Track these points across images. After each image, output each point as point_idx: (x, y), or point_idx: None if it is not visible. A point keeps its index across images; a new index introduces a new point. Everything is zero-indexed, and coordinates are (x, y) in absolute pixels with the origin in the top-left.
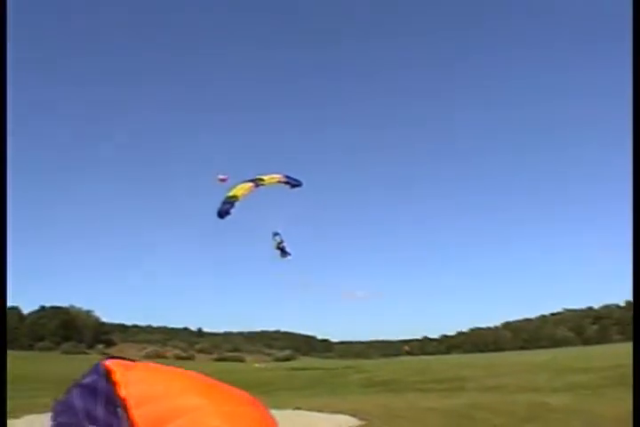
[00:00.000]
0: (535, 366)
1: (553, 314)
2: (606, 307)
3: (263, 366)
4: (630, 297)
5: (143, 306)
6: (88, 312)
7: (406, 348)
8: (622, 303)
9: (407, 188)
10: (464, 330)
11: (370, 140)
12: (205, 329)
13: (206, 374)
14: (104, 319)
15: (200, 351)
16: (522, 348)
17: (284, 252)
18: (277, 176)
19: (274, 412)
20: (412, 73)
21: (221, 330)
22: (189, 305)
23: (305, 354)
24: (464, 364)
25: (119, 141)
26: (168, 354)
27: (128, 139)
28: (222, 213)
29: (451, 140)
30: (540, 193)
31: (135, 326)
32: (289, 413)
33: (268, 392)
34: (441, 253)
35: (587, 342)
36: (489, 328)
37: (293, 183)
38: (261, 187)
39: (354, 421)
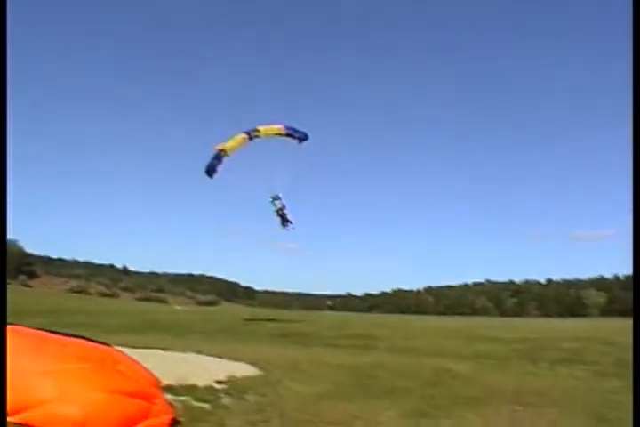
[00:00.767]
0: (449, 332)
1: (475, 284)
2: (527, 282)
3: (184, 308)
4: (551, 275)
5: (69, 239)
6: (11, 242)
7: (329, 303)
8: (542, 280)
9: (351, 149)
10: (387, 291)
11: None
12: (131, 268)
13: (127, 313)
14: (28, 250)
15: (124, 290)
16: (442, 313)
17: (285, 220)
18: (277, 127)
19: (173, 354)
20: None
21: (147, 270)
22: (117, 242)
23: (227, 300)
24: (381, 323)
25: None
26: (92, 290)
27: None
28: (209, 171)
29: None
30: (476, 164)
31: (60, 260)
32: (187, 356)
33: (180, 335)
34: (373, 214)
35: (504, 313)
36: (412, 291)
37: (297, 136)
38: (259, 140)
39: (251, 370)
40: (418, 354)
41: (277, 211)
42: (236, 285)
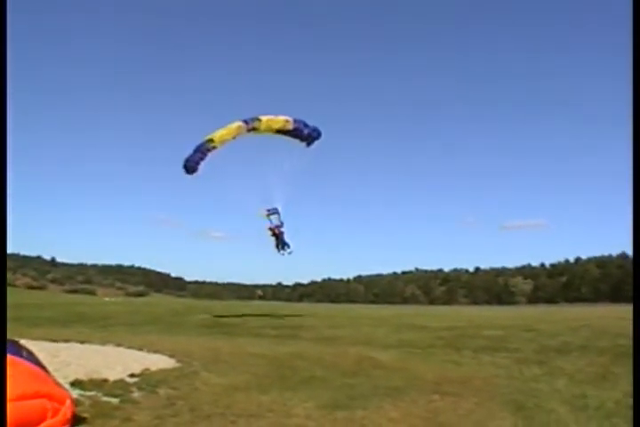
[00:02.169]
0: (377, 321)
1: (404, 272)
2: (455, 271)
3: (112, 299)
4: (479, 264)
5: None
6: None
7: (259, 292)
8: (471, 269)
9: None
10: (318, 280)
11: None
12: (60, 259)
13: (54, 305)
14: None
15: (52, 281)
16: (372, 302)
17: (280, 242)
18: (283, 119)
19: (91, 347)
20: None
21: (76, 261)
22: (45, 233)
23: (158, 291)
24: (309, 313)
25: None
26: (18, 282)
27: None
28: (188, 166)
29: None
30: (407, 152)
31: None
32: (104, 349)
33: (105, 327)
34: (302, 202)
35: (434, 301)
36: (341, 280)
37: (307, 134)
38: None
39: (169, 362)
40: (342, 343)
41: (272, 230)
42: (166, 275)
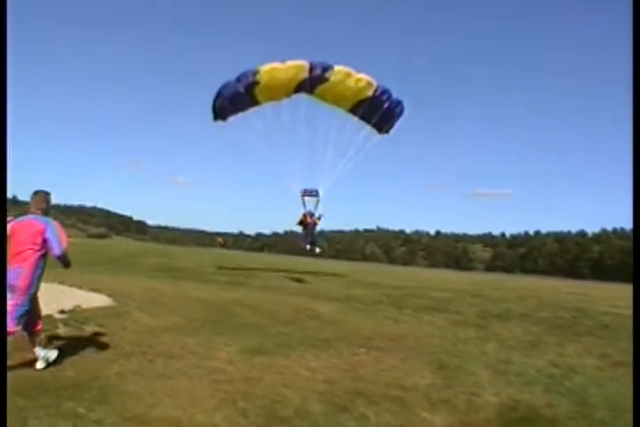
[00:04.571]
0: (330, 275)
1: (366, 230)
2: (417, 233)
3: (72, 240)
4: (441, 228)
5: None
6: None
7: (220, 240)
8: (432, 232)
9: None
10: (279, 231)
11: None
12: (20, 198)
13: None
14: None
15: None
16: (332, 257)
17: (310, 239)
18: (366, 80)
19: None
20: None
21: None
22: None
23: (119, 234)
24: (264, 262)
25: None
26: None
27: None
28: (221, 110)
29: None
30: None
31: None
32: (44, 286)
33: (55, 266)
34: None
35: (393, 261)
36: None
37: (385, 112)
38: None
39: (105, 300)
40: (287, 293)
41: (305, 217)
42: (128, 219)
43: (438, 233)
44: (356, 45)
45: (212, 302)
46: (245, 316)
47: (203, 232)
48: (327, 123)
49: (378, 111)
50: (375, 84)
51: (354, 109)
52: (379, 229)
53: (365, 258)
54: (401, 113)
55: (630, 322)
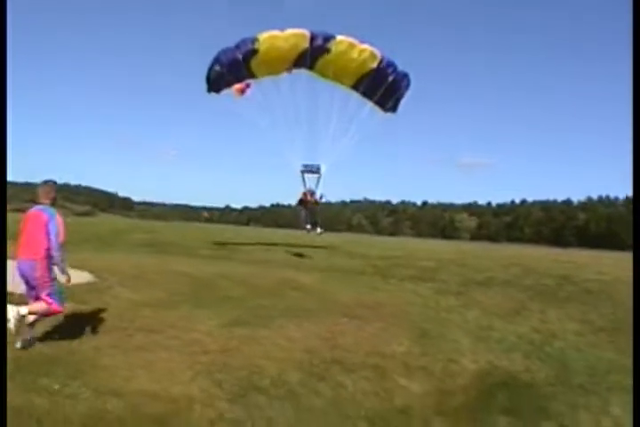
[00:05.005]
0: (315, 247)
1: (353, 201)
2: (403, 203)
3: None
4: (427, 198)
5: None
6: None
7: (205, 214)
8: (419, 203)
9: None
10: (266, 205)
11: None
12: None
13: None
14: None
15: None
16: None
17: (311, 219)
18: (369, 50)
19: (14, 263)
20: None
21: (22, 180)
22: None
23: (104, 211)
24: (251, 236)
25: None
26: None
27: None
28: (216, 80)
29: None
30: None
31: None
32: None
33: None
34: (251, 126)
35: (380, 232)
36: (289, 206)
37: (392, 87)
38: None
39: (86, 277)
40: (271, 266)
41: (305, 195)
42: (113, 195)
43: (425, 203)
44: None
45: (196, 276)
46: (228, 289)
47: (189, 207)
48: (330, 94)
49: (382, 85)
50: (380, 55)
51: (357, 85)
52: (365, 200)
53: (352, 229)
54: (407, 86)
55: (614, 288)
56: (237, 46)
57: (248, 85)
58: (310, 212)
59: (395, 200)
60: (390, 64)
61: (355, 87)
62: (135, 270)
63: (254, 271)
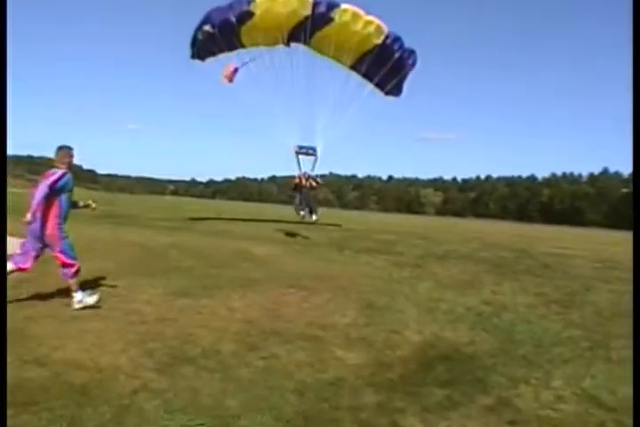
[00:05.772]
0: (276, 221)
1: (318, 175)
2: (369, 178)
3: (19, 191)
4: (393, 173)
5: None
6: None
7: (171, 187)
8: (384, 177)
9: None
10: (232, 178)
11: None
12: None
13: None
14: None
15: None
16: (284, 202)
17: (306, 203)
18: (375, 24)
19: None
20: None
21: None
22: None
23: None
24: (213, 208)
25: None
26: None
27: None
28: (196, 46)
29: None
30: None
31: None
32: None
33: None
34: (221, 97)
35: (345, 206)
36: (255, 179)
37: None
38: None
39: None
40: (229, 237)
41: (299, 179)
42: (78, 168)
43: (390, 178)
44: None
45: (148, 247)
46: (179, 259)
47: (154, 180)
48: (329, 74)
49: (386, 63)
50: (386, 30)
51: (358, 63)
52: (331, 174)
53: (318, 203)
54: (413, 65)
55: (572, 262)
56: (231, 6)
57: (236, 70)
58: (305, 197)
59: (360, 175)
60: (397, 40)
61: (356, 65)
62: (86, 241)
63: (210, 242)
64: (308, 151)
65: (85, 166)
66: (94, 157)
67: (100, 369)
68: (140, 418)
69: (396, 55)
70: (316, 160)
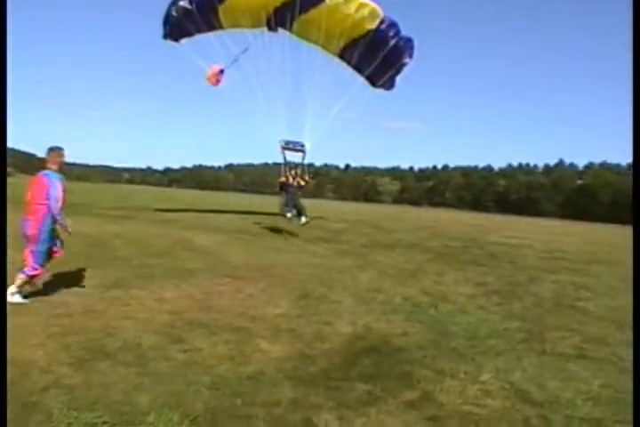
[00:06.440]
0: (228, 208)
1: (275, 163)
2: (326, 166)
3: None
4: (350, 162)
5: None
6: None
7: (127, 175)
8: (341, 165)
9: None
10: (188, 166)
11: None
12: None
13: None
14: None
15: None
16: (241, 191)
17: (293, 203)
18: (372, 7)
19: None
20: None
21: None
22: None
23: (24, 172)
24: (167, 197)
25: None
26: None
27: None
28: (170, 23)
29: None
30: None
31: None
32: None
33: None
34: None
35: (302, 195)
36: (212, 167)
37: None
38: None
39: None
40: (175, 226)
41: (286, 178)
42: (32, 156)
43: (347, 167)
44: None
45: (90, 236)
46: (119, 249)
47: (110, 168)
48: (316, 63)
49: (380, 52)
50: (382, 14)
51: (348, 50)
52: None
53: (275, 192)
54: (410, 56)
55: (519, 252)
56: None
57: (222, 71)
58: (292, 197)
59: (317, 163)
60: (392, 25)
61: (345, 54)
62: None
63: (154, 231)
64: (296, 147)
65: (40, 155)
66: (52, 144)
67: (17, 365)
68: (45, 416)
69: (391, 43)
70: (304, 156)
